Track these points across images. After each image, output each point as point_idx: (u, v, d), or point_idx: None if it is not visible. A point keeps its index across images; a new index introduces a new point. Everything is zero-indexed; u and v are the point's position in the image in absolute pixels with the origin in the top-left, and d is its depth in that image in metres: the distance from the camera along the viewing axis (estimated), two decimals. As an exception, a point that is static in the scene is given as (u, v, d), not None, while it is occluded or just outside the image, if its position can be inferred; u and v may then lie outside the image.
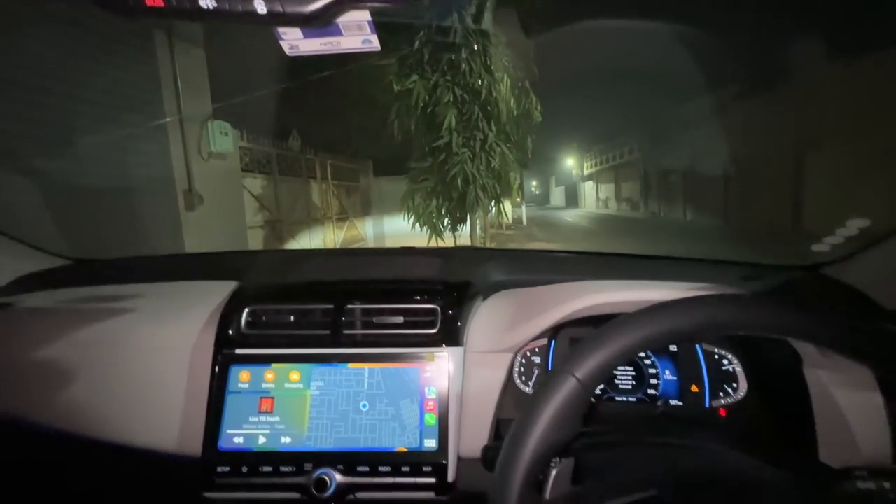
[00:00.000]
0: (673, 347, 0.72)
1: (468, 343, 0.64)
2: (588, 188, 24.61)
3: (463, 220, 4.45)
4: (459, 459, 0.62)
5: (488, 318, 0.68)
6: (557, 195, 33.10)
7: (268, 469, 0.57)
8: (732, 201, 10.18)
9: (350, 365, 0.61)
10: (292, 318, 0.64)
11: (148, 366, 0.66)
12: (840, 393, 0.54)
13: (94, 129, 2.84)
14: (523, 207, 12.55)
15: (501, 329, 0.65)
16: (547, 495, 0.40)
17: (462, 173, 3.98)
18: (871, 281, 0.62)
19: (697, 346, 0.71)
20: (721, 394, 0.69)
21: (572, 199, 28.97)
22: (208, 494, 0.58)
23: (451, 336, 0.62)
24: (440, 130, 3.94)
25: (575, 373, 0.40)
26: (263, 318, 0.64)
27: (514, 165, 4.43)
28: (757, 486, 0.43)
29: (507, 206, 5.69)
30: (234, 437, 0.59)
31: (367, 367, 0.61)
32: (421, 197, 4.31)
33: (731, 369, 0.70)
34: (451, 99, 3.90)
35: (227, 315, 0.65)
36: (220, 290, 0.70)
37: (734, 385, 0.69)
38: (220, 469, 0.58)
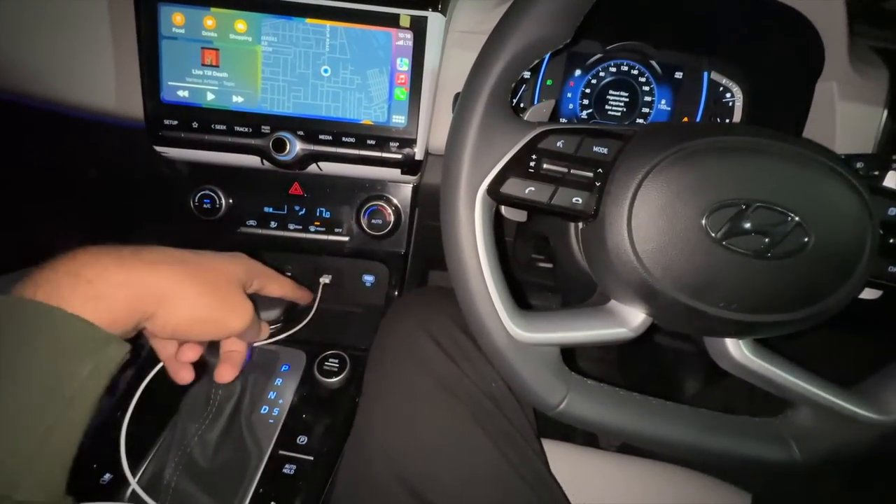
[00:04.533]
0: (679, 74, 0.64)
1: (452, 19, 0.54)
2: None
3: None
4: (428, 154, 0.59)
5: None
6: None
7: (221, 127, 0.53)
8: None
9: (308, 20, 0.50)
10: (230, -52, 0.49)
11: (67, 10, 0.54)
12: (843, 105, 0.50)
13: None
14: None
15: (491, 6, 0.54)
16: (525, 116, 0.37)
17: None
18: None
19: (705, 73, 0.64)
20: (709, 128, 0.66)
21: None
22: (158, 148, 0.55)
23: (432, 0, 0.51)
24: None
25: None
26: None
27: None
28: None
29: None
30: (178, 89, 0.52)
31: (328, 24, 0.50)
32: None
33: (730, 103, 0.65)
34: None
35: None
36: None
37: (727, 119, 0.65)
38: (166, 122, 0.53)
